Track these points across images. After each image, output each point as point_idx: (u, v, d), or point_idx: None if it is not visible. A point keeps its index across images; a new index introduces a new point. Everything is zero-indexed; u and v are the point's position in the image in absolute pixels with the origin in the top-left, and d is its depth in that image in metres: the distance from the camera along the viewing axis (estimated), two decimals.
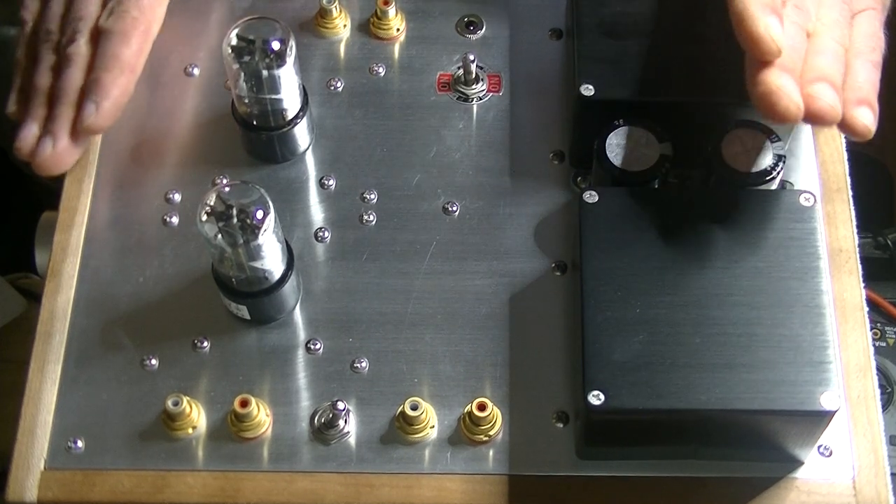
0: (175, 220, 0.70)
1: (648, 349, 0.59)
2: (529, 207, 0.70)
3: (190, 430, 0.64)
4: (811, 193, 0.64)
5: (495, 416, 0.64)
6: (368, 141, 0.73)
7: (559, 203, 0.70)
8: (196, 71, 0.75)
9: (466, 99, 0.74)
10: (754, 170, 0.64)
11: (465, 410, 0.64)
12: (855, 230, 0.69)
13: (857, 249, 0.68)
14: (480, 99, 0.74)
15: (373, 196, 0.71)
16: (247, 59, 0.66)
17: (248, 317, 0.66)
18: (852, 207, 0.69)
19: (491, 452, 0.64)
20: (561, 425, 0.64)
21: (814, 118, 0.60)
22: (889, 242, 0.97)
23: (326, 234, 0.70)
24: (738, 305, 0.60)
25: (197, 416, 0.64)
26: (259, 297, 0.65)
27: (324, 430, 0.64)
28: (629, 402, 0.58)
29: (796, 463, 0.63)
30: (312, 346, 0.66)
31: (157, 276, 0.69)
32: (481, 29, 0.76)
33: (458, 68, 0.74)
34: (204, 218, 0.61)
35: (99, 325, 0.67)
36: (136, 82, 0.74)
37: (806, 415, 0.58)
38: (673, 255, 0.62)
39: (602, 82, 0.66)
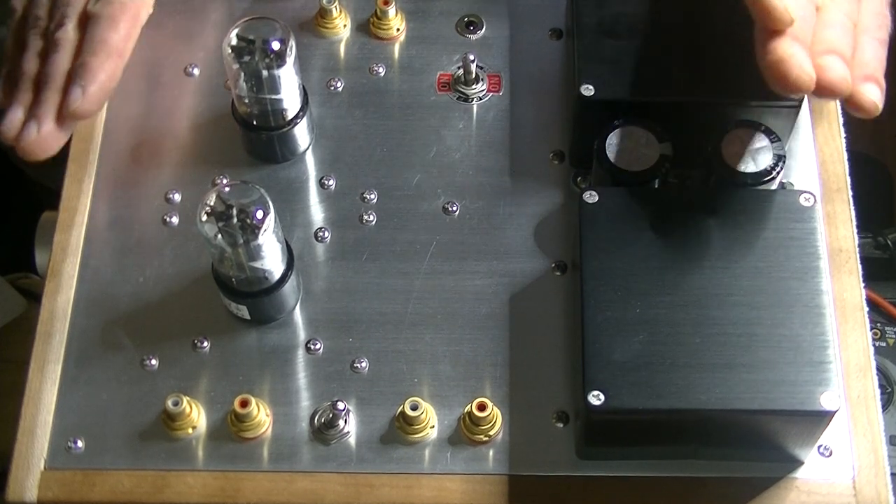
0: (175, 220, 0.70)
1: (648, 349, 0.59)
2: (529, 207, 0.70)
3: (190, 430, 0.64)
4: (811, 193, 0.64)
5: (495, 416, 0.64)
6: (368, 141, 0.73)
7: (559, 203, 0.70)
8: (196, 71, 0.75)
9: (466, 99, 0.74)
10: (754, 170, 0.64)
11: (465, 410, 0.64)
12: (855, 230, 0.69)
13: (857, 249, 0.68)
14: (480, 99, 0.74)
15: (373, 196, 0.71)
16: (247, 59, 0.66)
17: (248, 317, 0.66)
18: (852, 207, 0.69)
19: (491, 452, 0.64)
20: (561, 425, 0.64)
21: (824, 90, 0.59)
22: (889, 242, 0.97)
23: (326, 234, 0.70)
24: (738, 305, 0.60)
25: (197, 416, 0.64)
26: (259, 297, 0.65)
27: (324, 430, 0.64)
28: (629, 402, 0.58)
29: (796, 463, 0.63)
30: (312, 346, 0.66)
31: (157, 276, 0.69)
32: (481, 29, 0.76)
33: (458, 68, 0.74)
34: (204, 218, 0.61)
35: (99, 325, 0.67)
36: (136, 82, 0.74)
37: (806, 415, 0.58)
38: (673, 255, 0.62)
39: (602, 82, 0.66)
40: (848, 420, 0.64)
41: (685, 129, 0.65)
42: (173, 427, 0.64)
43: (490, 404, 0.63)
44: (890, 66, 0.65)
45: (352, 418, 0.64)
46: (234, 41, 0.66)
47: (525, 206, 0.70)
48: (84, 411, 0.65)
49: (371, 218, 0.70)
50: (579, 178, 0.71)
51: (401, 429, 0.64)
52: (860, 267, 0.68)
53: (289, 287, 0.65)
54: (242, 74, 0.66)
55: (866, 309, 0.67)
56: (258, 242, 0.61)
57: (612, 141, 0.65)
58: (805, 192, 0.64)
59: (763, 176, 0.64)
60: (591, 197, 0.63)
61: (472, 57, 0.73)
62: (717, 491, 0.63)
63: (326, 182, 0.71)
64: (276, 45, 0.66)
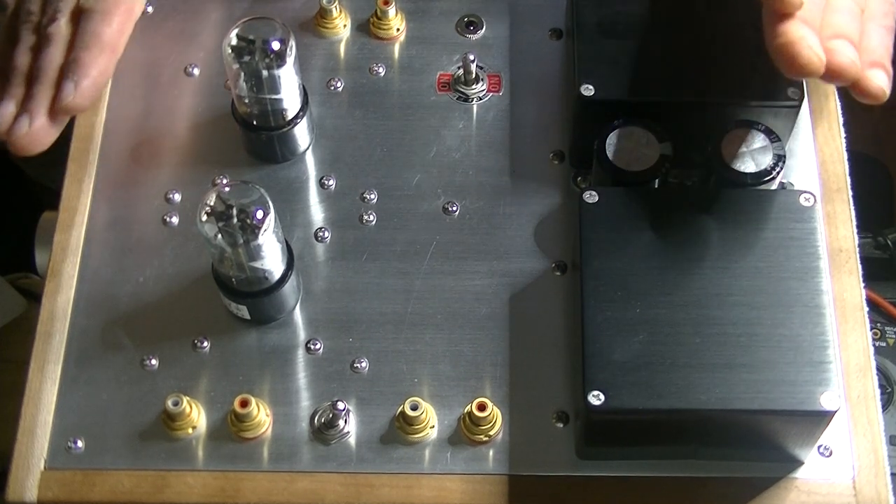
0: (175, 220, 0.70)
1: (648, 349, 0.59)
2: (529, 207, 0.70)
3: (190, 430, 0.64)
4: (811, 193, 0.64)
5: (495, 416, 0.64)
6: (368, 141, 0.73)
7: (559, 203, 0.70)
8: (196, 71, 0.75)
9: (466, 99, 0.74)
10: (754, 170, 0.64)
11: (465, 410, 0.64)
12: (855, 230, 0.69)
13: (857, 249, 0.68)
14: (480, 99, 0.74)
15: (373, 196, 0.71)
16: (247, 59, 0.66)
17: (248, 317, 0.66)
18: (852, 207, 0.69)
19: (491, 452, 0.64)
20: (561, 425, 0.64)
21: (833, 73, 0.59)
22: (889, 242, 0.97)
23: (326, 234, 0.70)
24: (738, 305, 0.60)
25: (197, 416, 0.64)
26: (259, 297, 0.65)
27: (324, 430, 0.64)
28: (629, 402, 0.58)
29: (796, 463, 0.63)
30: (312, 346, 0.66)
31: (157, 276, 0.69)
32: (481, 29, 0.76)
33: (458, 68, 0.74)
34: (204, 218, 0.61)
35: (99, 325, 0.67)
36: (136, 82, 0.74)
37: (806, 415, 0.58)
38: (673, 255, 0.62)
39: (602, 82, 0.66)
40: (848, 420, 0.64)
41: (685, 129, 0.65)
42: (173, 427, 0.64)
43: (490, 404, 0.63)
44: (894, 61, 0.65)
45: (352, 418, 0.64)
46: (234, 41, 0.66)
47: (525, 206, 0.70)
48: (84, 411, 0.65)
49: (371, 218, 0.70)
50: (579, 178, 0.71)
51: (401, 429, 0.64)
52: (860, 267, 0.68)
53: (289, 287, 0.65)
54: (242, 74, 0.66)
55: (866, 309, 0.67)
56: (258, 242, 0.61)
57: (612, 141, 0.65)
58: (805, 192, 0.64)
59: (763, 176, 0.64)
60: (591, 197, 0.63)
61: (472, 57, 0.73)
62: (717, 491, 0.63)
63: (326, 182, 0.71)
64: (276, 45, 0.66)
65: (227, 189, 0.61)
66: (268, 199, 0.61)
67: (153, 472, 0.64)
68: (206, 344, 0.67)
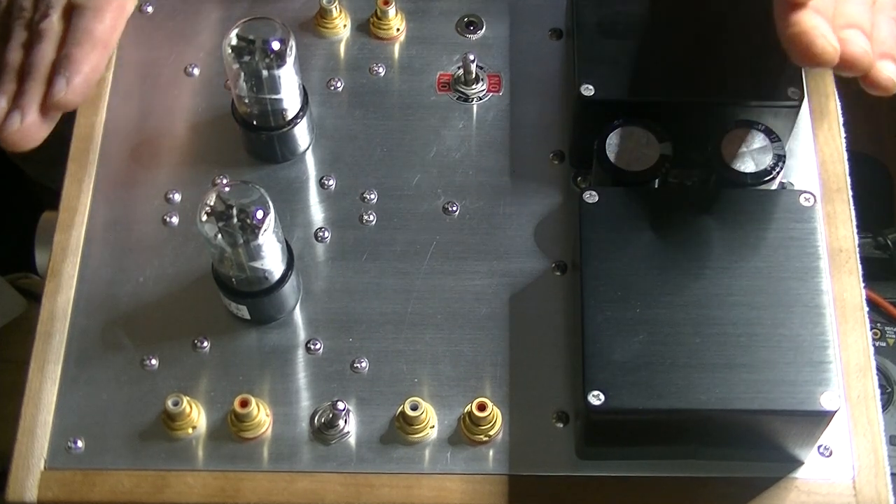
0: (175, 220, 0.70)
1: (648, 349, 0.59)
2: (529, 207, 0.70)
3: (190, 430, 0.64)
4: (811, 193, 0.64)
5: (495, 416, 0.64)
6: (368, 141, 0.73)
7: (559, 203, 0.70)
8: (196, 71, 0.75)
9: (466, 99, 0.74)
10: (754, 170, 0.64)
11: (465, 410, 0.64)
12: (855, 230, 0.69)
13: (857, 249, 0.68)
14: (480, 99, 0.74)
15: (373, 196, 0.71)
16: (247, 59, 0.66)
17: (248, 317, 0.66)
18: (852, 207, 0.69)
19: (491, 452, 0.64)
20: (561, 425, 0.64)
21: (846, 63, 0.59)
22: (889, 242, 0.97)
23: (326, 234, 0.70)
24: (738, 305, 0.60)
25: (197, 416, 0.64)
26: (259, 297, 0.65)
27: (324, 430, 0.64)
28: (629, 402, 0.58)
29: (796, 463, 0.63)
30: (312, 346, 0.66)
31: (157, 276, 0.69)
32: (481, 29, 0.76)
33: (458, 68, 0.74)
34: (204, 218, 0.61)
35: (99, 325, 0.67)
36: (136, 82, 0.74)
37: (806, 415, 0.58)
38: (673, 255, 0.62)
39: (602, 82, 0.66)
40: (848, 420, 0.64)
41: (685, 129, 0.65)
42: (173, 427, 0.64)
43: (490, 404, 0.63)
44: None
45: (352, 418, 0.64)
46: (234, 41, 0.66)
47: (525, 206, 0.70)
48: (84, 411, 0.65)
49: (371, 218, 0.70)
50: (579, 178, 0.71)
51: (401, 429, 0.64)
52: (860, 267, 0.68)
53: (289, 287, 0.65)
54: (242, 74, 0.66)
55: (866, 309, 0.67)
56: (258, 242, 0.61)
57: (612, 141, 0.65)
58: (805, 192, 0.64)
59: (763, 176, 0.64)
60: (591, 197, 0.63)
61: (472, 57, 0.73)
62: (718, 491, 0.63)
63: (326, 182, 0.71)
64: (276, 45, 0.66)
65: (227, 189, 0.61)
66: (268, 199, 0.61)
67: (153, 472, 0.64)
68: (206, 344, 0.67)
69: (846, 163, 0.71)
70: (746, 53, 0.67)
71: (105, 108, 0.74)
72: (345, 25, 0.76)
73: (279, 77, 0.67)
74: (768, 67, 0.67)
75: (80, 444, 0.64)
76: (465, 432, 0.64)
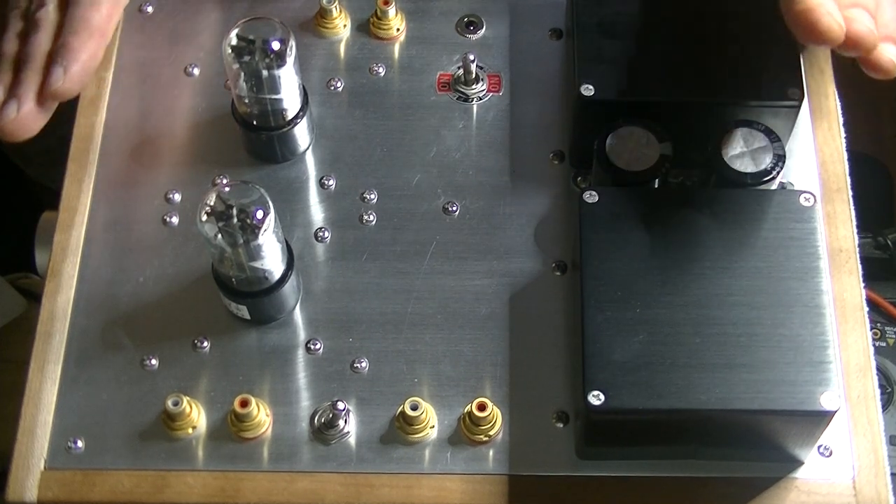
0: (175, 220, 0.70)
1: (648, 349, 0.59)
2: (529, 207, 0.70)
3: (190, 430, 0.64)
4: (811, 193, 0.64)
5: (495, 416, 0.64)
6: (368, 141, 0.73)
7: (559, 203, 0.70)
8: (196, 71, 0.75)
9: (466, 99, 0.74)
10: (754, 170, 0.64)
11: (465, 410, 0.64)
12: (855, 230, 0.69)
13: (857, 249, 0.68)
14: (480, 99, 0.74)
15: (373, 196, 0.71)
16: (247, 59, 0.66)
17: (248, 317, 0.66)
18: (852, 207, 0.69)
19: (491, 452, 0.64)
20: (561, 425, 0.64)
21: (851, 42, 0.58)
22: (889, 242, 0.97)
23: (326, 234, 0.70)
24: (738, 305, 0.60)
25: (197, 416, 0.64)
26: (259, 297, 0.65)
27: (324, 430, 0.64)
28: (629, 402, 0.58)
29: (796, 463, 0.63)
30: (312, 346, 0.66)
31: (157, 276, 0.69)
32: (481, 29, 0.76)
33: (458, 68, 0.74)
34: (204, 218, 0.61)
35: (99, 325, 0.67)
36: (136, 82, 0.74)
37: (806, 415, 0.58)
38: (673, 255, 0.62)
39: (602, 82, 0.66)
40: (848, 420, 0.64)
41: (685, 129, 0.65)
42: (173, 427, 0.64)
43: (490, 404, 0.63)
44: None
45: (352, 418, 0.64)
46: (234, 41, 0.66)
47: (525, 206, 0.70)
48: (84, 411, 0.65)
49: (371, 218, 0.70)
50: (579, 178, 0.71)
51: (401, 429, 0.64)
52: (860, 267, 0.68)
53: (289, 287, 0.65)
54: (242, 74, 0.66)
55: (866, 309, 0.67)
56: (258, 242, 0.61)
57: (612, 141, 0.65)
58: (805, 192, 0.64)
59: (763, 176, 0.64)
60: (591, 197, 0.63)
61: (472, 57, 0.73)
62: (718, 491, 0.63)
63: (326, 182, 0.71)
64: (276, 45, 0.66)
65: (227, 189, 0.61)
66: (268, 199, 0.61)
67: (153, 472, 0.64)
68: (206, 344, 0.67)
69: (846, 163, 0.71)
70: (746, 53, 0.67)
71: (105, 108, 0.74)
72: (345, 25, 0.76)
73: (279, 77, 0.67)
74: (768, 67, 0.67)
75: (80, 444, 0.64)
76: (465, 432, 0.64)
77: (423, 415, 0.63)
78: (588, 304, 0.60)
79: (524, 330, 0.66)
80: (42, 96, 0.69)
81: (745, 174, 0.64)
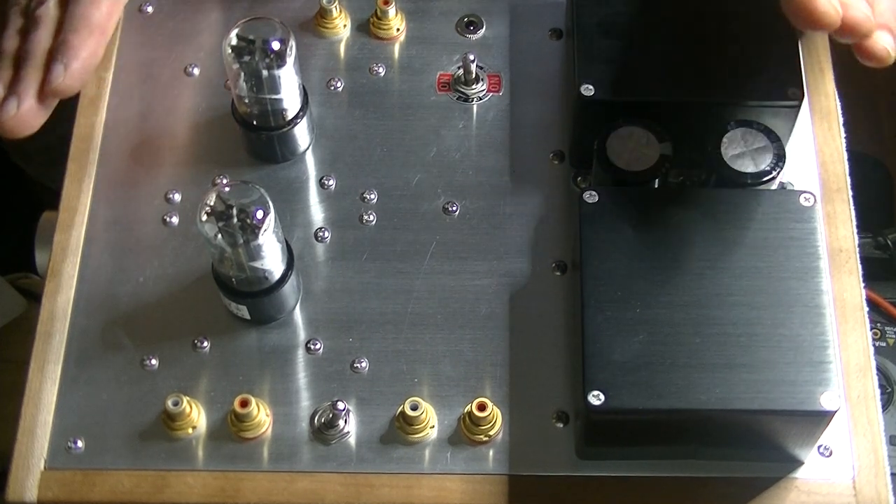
0: (175, 220, 0.70)
1: (648, 349, 0.59)
2: (529, 207, 0.70)
3: (190, 430, 0.64)
4: (811, 193, 0.64)
5: (495, 416, 0.64)
6: (368, 141, 0.73)
7: (559, 203, 0.70)
8: (196, 71, 0.75)
9: (466, 99, 0.74)
10: (754, 170, 0.64)
11: (465, 410, 0.64)
12: (855, 230, 0.69)
13: (857, 249, 0.68)
14: (480, 99, 0.74)
15: (373, 196, 0.71)
16: (247, 59, 0.66)
17: (248, 317, 0.66)
18: (852, 207, 0.69)
19: (491, 452, 0.64)
20: (561, 425, 0.64)
21: (847, 28, 0.58)
22: (889, 242, 0.97)
23: (326, 234, 0.70)
24: (738, 305, 0.60)
25: (197, 416, 0.64)
26: (259, 297, 0.65)
27: (324, 430, 0.64)
28: (629, 402, 0.58)
29: (796, 463, 0.63)
30: (312, 346, 0.66)
31: (157, 276, 0.69)
32: (481, 29, 0.76)
33: (458, 68, 0.74)
34: (204, 218, 0.61)
35: (99, 325, 0.67)
36: (136, 82, 0.74)
37: (806, 415, 0.58)
38: (673, 255, 0.62)
39: (602, 82, 0.66)
40: (848, 420, 0.64)
41: (685, 129, 0.65)
42: (173, 427, 0.64)
43: (490, 404, 0.63)
44: (891, 70, 0.64)
45: (352, 418, 0.64)
46: (234, 41, 0.66)
47: (525, 206, 0.70)
48: (84, 411, 0.65)
49: (371, 218, 0.70)
50: (579, 178, 0.71)
51: (401, 429, 0.64)
52: (860, 267, 0.68)
53: (289, 287, 0.65)
54: (242, 74, 0.66)
55: (866, 309, 0.67)
56: (258, 242, 0.61)
57: (612, 141, 0.65)
58: (805, 192, 0.64)
59: (763, 176, 0.64)
60: (591, 197, 0.63)
61: (472, 57, 0.73)
62: (718, 491, 0.63)
63: (326, 182, 0.71)
64: (276, 45, 0.66)
65: (227, 189, 0.61)
66: (268, 199, 0.61)
67: (153, 472, 0.64)
68: (206, 344, 0.67)
69: (846, 163, 0.71)
70: (746, 53, 0.67)
71: (105, 108, 0.74)
72: (345, 25, 0.76)
73: (279, 77, 0.67)
74: (768, 67, 0.67)
75: (80, 444, 0.64)
76: (465, 432, 0.64)
77: (423, 415, 0.63)
78: (588, 304, 0.60)
79: (524, 330, 0.66)
80: (42, 93, 0.69)
81: (745, 174, 0.64)
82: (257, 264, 0.63)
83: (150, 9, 0.77)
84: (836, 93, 0.73)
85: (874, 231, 0.98)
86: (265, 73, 0.66)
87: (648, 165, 0.65)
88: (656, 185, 0.65)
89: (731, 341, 0.59)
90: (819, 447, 0.63)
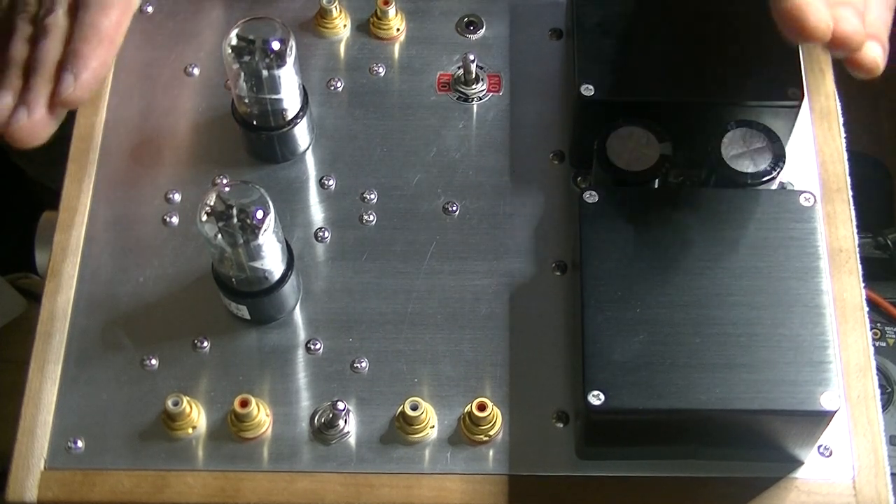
0: (175, 220, 0.70)
1: (648, 349, 0.59)
2: (529, 207, 0.70)
3: (190, 430, 0.64)
4: (811, 193, 0.64)
5: (495, 416, 0.64)
6: (368, 141, 0.73)
7: (559, 203, 0.70)
8: (196, 71, 0.75)
9: (466, 99, 0.74)
10: (754, 170, 0.64)
11: (465, 410, 0.64)
12: (855, 230, 0.69)
13: (857, 249, 0.68)
14: (480, 99, 0.74)
15: (373, 196, 0.71)
16: (247, 59, 0.66)
17: (248, 317, 0.66)
18: (852, 207, 0.69)
19: (491, 452, 0.64)
20: (561, 425, 0.64)
21: (838, 41, 0.58)
22: (889, 242, 0.97)
23: (326, 234, 0.70)
24: (738, 305, 0.60)
25: (197, 416, 0.64)
26: (259, 297, 0.65)
27: (324, 430, 0.64)
28: (629, 402, 0.58)
29: (796, 463, 0.63)
30: (312, 346, 0.66)
31: (157, 276, 0.69)
32: (481, 29, 0.76)
33: (458, 68, 0.74)
34: (204, 218, 0.61)
35: (99, 325, 0.67)
36: (136, 82, 0.74)
37: (806, 415, 0.58)
38: (673, 255, 0.62)
39: (602, 82, 0.66)
40: (848, 420, 0.64)
41: (685, 129, 0.65)
42: (173, 427, 0.64)
43: (490, 404, 0.63)
44: (888, 70, 0.64)
45: (352, 418, 0.64)
46: (234, 41, 0.66)
47: (525, 206, 0.70)
48: (84, 411, 0.65)
49: (371, 218, 0.70)
50: (579, 178, 0.71)
51: (401, 429, 0.64)
52: (860, 267, 0.68)
53: (289, 287, 0.65)
54: (242, 74, 0.66)
55: (866, 309, 0.67)
56: (258, 242, 0.61)
57: (612, 141, 0.65)
58: (805, 192, 0.64)
59: (763, 176, 0.64)
60: (591, 197, 0.63)
61: (472, 57, 0.73)
62: (718, 491, 0.63)
63: (326, 182, 0.71)
64: (276, 45, 0.66)
65: (227, 189, 0.61)
66: (268, 199, 0.61)
67: (153, 472, 0.64)
68: (206, 344, 0.67)
69: (846, 163, 0.71)
70: (746, 53, 0.67)
71: (105, 108, 0.74)
72: (345, 25, 0.76)
73: (279, 77, 0.67)
74: (768, 67, 0.67)
75: (80, 444, 0.64)
76: (465, 432, 0.64)
77: (423, 415, 0.63)
78: (588, 304, 0.60)
79: (524, 330, 0.66)
80: (53, 103, 0.68)
81: (745, 174, 0.64)
82: (257, 264, 0.63)
83: (150, 9, 0.77)
84: (836, 93, 0.73)
85: (874, 231, 0.98)
86: (265, 73, 0.66)
87: (648, 165, 0.65)
88: (656, 185, 0.65)
89: (731, 341, 0.59)
90: (819, 447, 0.63)
